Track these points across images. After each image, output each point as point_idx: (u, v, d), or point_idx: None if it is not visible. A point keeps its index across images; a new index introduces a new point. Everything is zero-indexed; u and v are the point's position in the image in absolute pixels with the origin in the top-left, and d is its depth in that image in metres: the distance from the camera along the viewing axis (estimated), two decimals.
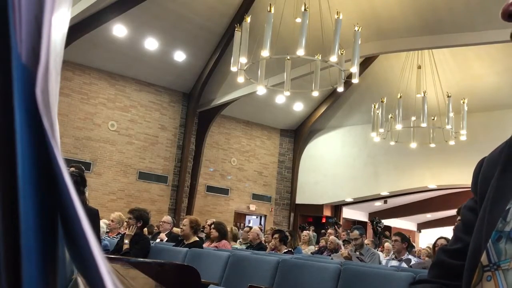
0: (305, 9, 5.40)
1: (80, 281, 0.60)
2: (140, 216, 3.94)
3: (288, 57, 6.21)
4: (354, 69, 5.85)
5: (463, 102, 7.70)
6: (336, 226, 8.53)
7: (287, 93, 6.62)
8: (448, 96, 7.79)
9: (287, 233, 5.70)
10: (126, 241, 3.87)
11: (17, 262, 0.19)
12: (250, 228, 6.42)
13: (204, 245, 4.54)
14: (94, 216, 2.98)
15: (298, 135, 13.67)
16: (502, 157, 0.60)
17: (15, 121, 0.20)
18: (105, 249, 4.12)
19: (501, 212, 0.53)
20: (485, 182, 0.61)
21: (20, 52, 0.21)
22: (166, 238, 5.27)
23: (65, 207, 0.20)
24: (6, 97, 0.20)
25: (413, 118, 8.37)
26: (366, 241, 5.37)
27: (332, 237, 6.83)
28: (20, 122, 0.20)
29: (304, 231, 8.30)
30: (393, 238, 4.96)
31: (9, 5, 0.21)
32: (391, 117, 8.47)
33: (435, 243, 4.17)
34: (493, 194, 0.57)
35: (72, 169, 2.96)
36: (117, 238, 4.63)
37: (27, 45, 0.21)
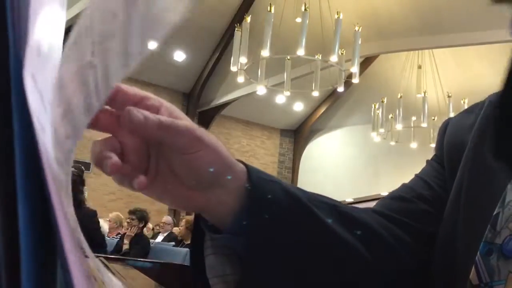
0: (305, 9, 5.40)
1: None
2: (142, 217, 3.96)
3: (288, 57, 6.21)
4: (355, 69, 5.85)
5: (464, 102, 7.70)
6: None
7: (287, 93, 6.62)
8: (449, 96, 7.79)
9: None
10: (126, 241, 3.87)
11: (16, 264, 0.19)
12: None
13: None
14: (91, 217, 2.99)
15: (298, 135, 13.66)
16: (476, 130, 0.50)
17: (13, 121, 0.20)
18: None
19: (487, 218, 0.44)
20: (452, 150, 0.53)
21: (19, 49, 0.21)
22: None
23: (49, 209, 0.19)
24: (5, 96, 0.20)
25: (414, 118, 8.36)
26: None
27: None
28: (19, 123, 0.20)
29: None
30: None
31: (7, 2, 0.20)
32: (391, 117, 8.47)
33: None
34: (471, 185, 0.48)
35: (72, 169, 2.96)
36: (117, 238, 4.63)
37: (25, 42, 0.21)
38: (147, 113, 0.35)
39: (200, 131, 0.39)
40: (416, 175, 0.58)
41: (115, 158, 0.35)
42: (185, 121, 0.39)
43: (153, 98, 0.39)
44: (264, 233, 0.41)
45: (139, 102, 0.38)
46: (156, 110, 0.38)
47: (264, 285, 0.42)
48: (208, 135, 0.39)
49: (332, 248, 0.45)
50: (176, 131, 0.36)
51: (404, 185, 0.57)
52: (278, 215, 0.42)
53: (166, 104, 0.39)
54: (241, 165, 0.43)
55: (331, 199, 0.49)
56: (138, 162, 0.38)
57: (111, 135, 0.38)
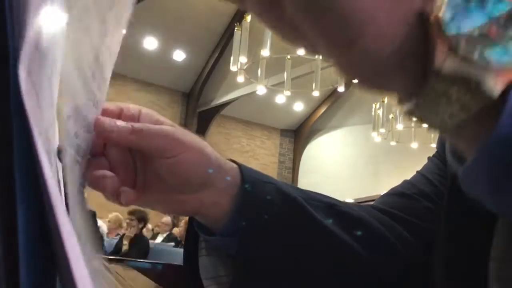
0: None
1: None
2: (142, 218, 3.96)
3: (289, 57, 6.21)
4: None
5: None
6: None
7: (287, 93, 6.62)
8: None
9: None
10: (126, 242, 3.87)
11: (15, 267, 0.19)
12: None
13: None
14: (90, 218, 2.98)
15: (299, 135, 13.67)
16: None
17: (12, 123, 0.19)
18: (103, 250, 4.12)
19: None
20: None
21: (20, 52, 0.20)
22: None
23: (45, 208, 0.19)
24: (4, 98, 0.19)
25: (414, 118, 8.35)
26: None
27: None
28: (17, 125, 0.19)
29: None
30: None
31: (6, 4, 0.20)
32: (392, 117, 8.47)
33: None
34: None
35: None
36: (116, 239, 4.62)
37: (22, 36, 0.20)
38: (119, 121, 0.36)
39: (180, 133, 0.39)
40: (418, 172, 0.57)
41: (109, 173, 0.36)
42: (163, 125, 0.39)
43: (132, 107, 0.39)
44: (258, 235, 0.41)
45: (119, 114, 0.38)
46: (135, 118, 0.39)
47: (257, 287, 0.42)
48: (190, 136, 0.39)
49: (329, 249, 0.44)
50: (149, 134, 0.37)
51: (405, 182, 0.57)
52: (273, 216, 0.41)
53: (145, 111, 0.40)
54: (232, 165, 0.42)
55: (330, 198, 0.48)
56: (125, 175, 0.38)
57: (97, 155, 0.38)
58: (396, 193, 0.54)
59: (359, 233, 0.45)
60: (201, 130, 11.99)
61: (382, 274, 0.47)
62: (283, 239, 0.42)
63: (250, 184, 0.41)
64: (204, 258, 0.43)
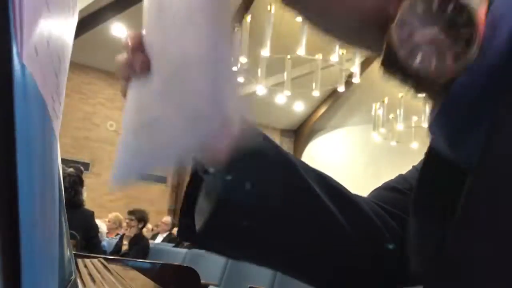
0: None
1: (79, 281, 0.60)
2: (141, 218, 3.96)
3: (289, 57, 6.21)
4: (355, 69, 5.86)
5: None
6: None
7: (288, 93, 6.62)
8: None
9: None
10: (125, 242, 3.87)
11: (16, 262, 0.19)
12: None
13: None
14: (88, 218, 2.99)
15: (299, 135, 13.67)
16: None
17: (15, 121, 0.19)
18: (103, 250, 4.12)
19: None
20: None
21: (20, 51, 0.20)
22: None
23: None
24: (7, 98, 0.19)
25: (415, 118, 8.37)
26: None
27: None
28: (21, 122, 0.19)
29: None
30: None
31: (9, 4, 0.20)
32: (392, 117, 8.48)
33: None
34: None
35: (71, 169, 2.95)
36: (116, 239, 4.62)
37: (28, 44, 0.20)
38: None
39: None
40: (414, 167, 0.58)
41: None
42: None
43: None
44: (249, 177, 0.41)
45: None
46: None
47: (235, 227, 0.42)
48: None
49: (318, 216, 0.44)
50: None
51: (399, 176, 0.57)
52: (268, 169, 0.43)
53: None
54: None
55: (323, 173, 0.50)
56: None
57: None
58: (388, 188, 0.55)
59: (347, 210, 0.46)
60: None
61: (364, 254, 0.47)
62: (275, 195, 0.43)
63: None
64: (201, 200, 0.44)
